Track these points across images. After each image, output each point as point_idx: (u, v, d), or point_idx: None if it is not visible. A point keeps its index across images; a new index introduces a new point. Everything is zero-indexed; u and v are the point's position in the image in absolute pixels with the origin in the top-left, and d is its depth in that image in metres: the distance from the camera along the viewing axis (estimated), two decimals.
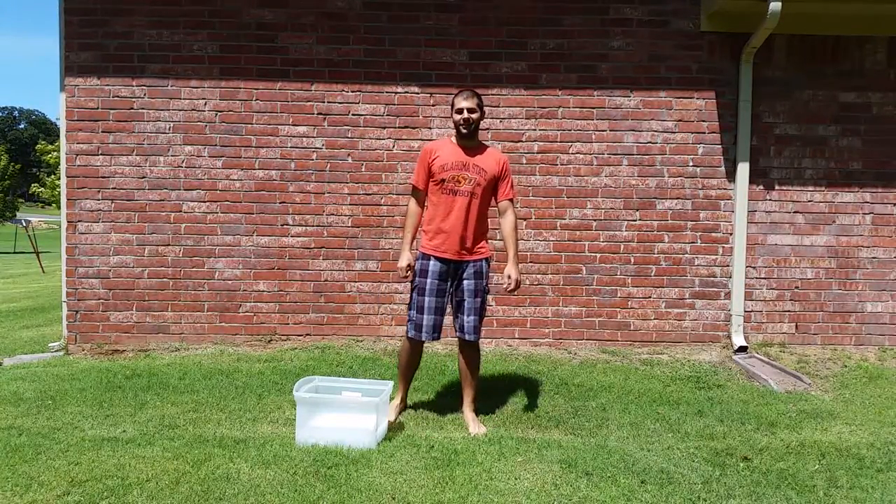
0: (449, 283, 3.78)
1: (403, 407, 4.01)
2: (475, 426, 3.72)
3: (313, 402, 3.54)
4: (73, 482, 2.93)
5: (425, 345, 3.97)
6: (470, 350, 3.84)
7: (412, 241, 3.84)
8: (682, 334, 5.52)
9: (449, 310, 3.86)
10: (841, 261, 5.54)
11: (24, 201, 48.25)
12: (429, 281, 3.73)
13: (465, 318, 3.76)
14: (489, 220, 3.88)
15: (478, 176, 3.71)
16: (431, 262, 3.75)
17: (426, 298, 3.73)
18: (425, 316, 3.73)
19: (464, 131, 3.71)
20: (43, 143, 31.19)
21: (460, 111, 3.70)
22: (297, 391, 3.52)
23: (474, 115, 3.71)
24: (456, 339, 3.87)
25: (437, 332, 3.76)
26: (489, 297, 5.47)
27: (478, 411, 3.88)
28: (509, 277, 3.75)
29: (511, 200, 3.85)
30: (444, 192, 3.73)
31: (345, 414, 3.51)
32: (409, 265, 3.78)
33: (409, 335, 3.82)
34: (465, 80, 5.40)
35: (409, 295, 3.89)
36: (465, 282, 3.75)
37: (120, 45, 5.39)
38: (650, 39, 5.44)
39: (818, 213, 5.53)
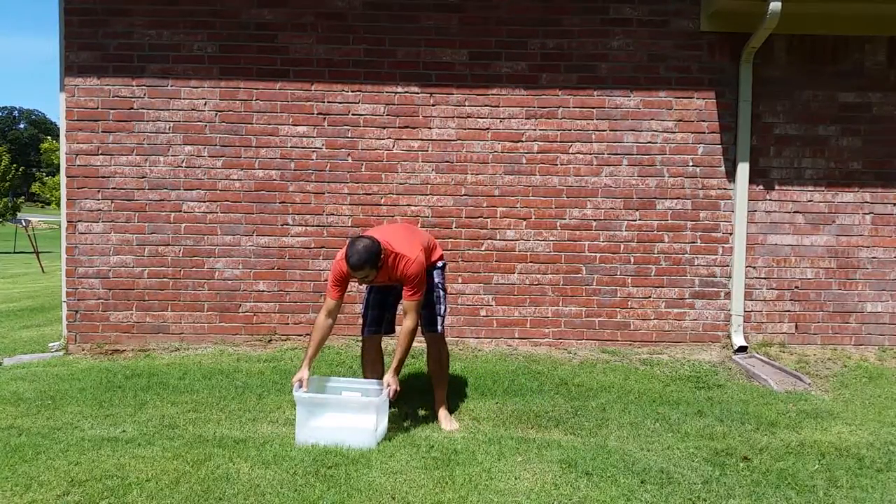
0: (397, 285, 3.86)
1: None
2: (447, 423, 3.78)
3: (313, 403, 3.54)
4: (73, 482, 2.93)
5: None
6: (432, 344, 3.91)
7: (313, 358, 3.69)
8: (682, 334, 5.52)
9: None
10: (841, 261, 5.54)
11: (24, 200, 48.19)
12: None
13: (421, 311, 3.80)
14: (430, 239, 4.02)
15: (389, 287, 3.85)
16: None
17: (372, 295, 3.94)
18: (369, 312, 3.95)
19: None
20: (49, 140, 31.01)
21: (355, 280, 3.65)
22: (297, 391, 3.52)
23: (369, 277, 3.60)
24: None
25: (379, 325, 3.96)
26: (490, 298, 5.50)
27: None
28: (388, 385, 3.56)
29: (414, 304, 3.63)
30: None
31: (345, 414, 3.51)
32: (301, 380, 3.56)
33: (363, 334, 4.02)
34: (465, 79, 5.40)
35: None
36: None
37: (120, 45, 5.39)
38: (650, 39, 5.43)
39: (818, 213, 5.53)
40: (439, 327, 3.90)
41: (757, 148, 5.47)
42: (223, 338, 5.47)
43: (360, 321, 4.03)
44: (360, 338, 5.41)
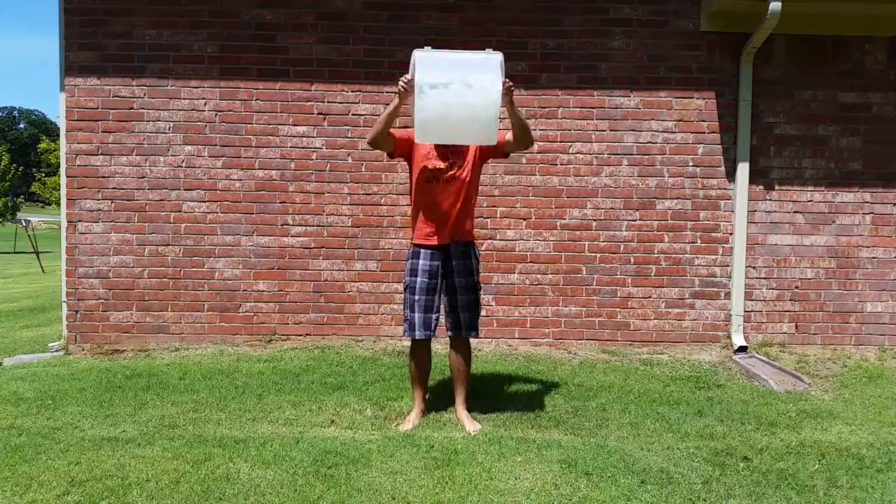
0: (439, 280, 3.75)
1: (424, 413, 3.90)
2: (471, 424, 3.74)
3: (435, 59, 3.34)
4: (73, 482, 2.93)
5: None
6: (463, 348, 3.87)
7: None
8: (682, 334, 5.52)
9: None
10: (841, 261, 5.54)
11: (24, 200, 48.20)
12: (419, 280, 3.74)
13: (461, 314, 3.77)
14: (475, 213, 3.92)
15: (459, 159, 3.71)
16: (421, 261, 3.75)
17: (417, 297, 3.74)
18: (417, 314, 3.74)
19: None
20: (46, 141, 31.07)
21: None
22: (417, 51, 3.36)
23: None
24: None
25: (430, 328, 3.78)
26: (490, 298, 5.49)
27: (470, 409, 3.89)
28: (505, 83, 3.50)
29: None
30: (427, 182, 3.72)
31: (467, 74, 3.35)
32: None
33: (407, 335, 3.82)
34: None
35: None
36: (454, 269, 3.73)
37: (120, 45, 5.39)
38: (650, 39, 5.44)
39: (818, 213, 5.53)
40: (479, 332, 3.89)
41: (757, 148, 5.47)
42: (223, 338, 5.47)
43: (404, 321, 3.79)
44: (360, 337, 5.48)
